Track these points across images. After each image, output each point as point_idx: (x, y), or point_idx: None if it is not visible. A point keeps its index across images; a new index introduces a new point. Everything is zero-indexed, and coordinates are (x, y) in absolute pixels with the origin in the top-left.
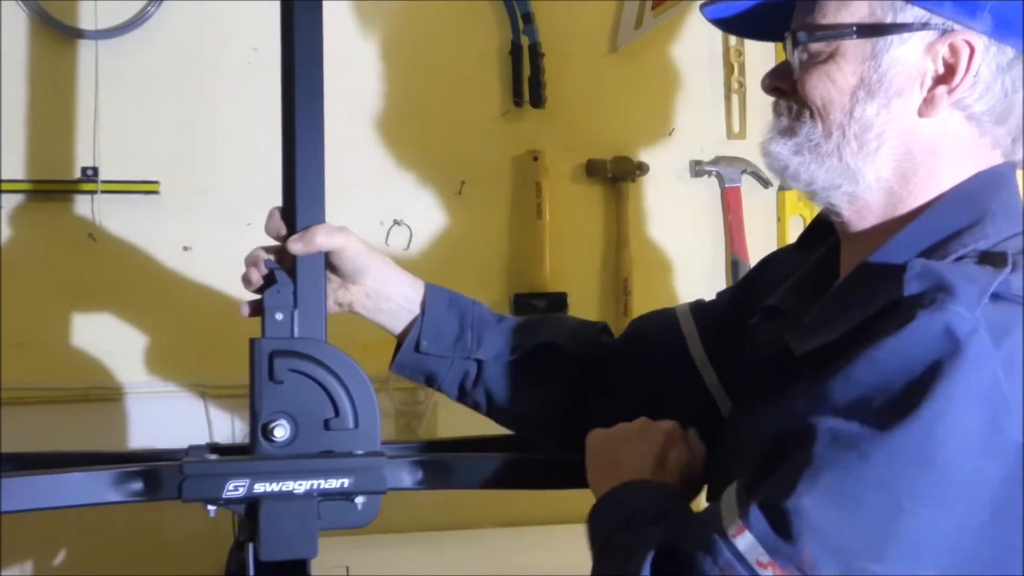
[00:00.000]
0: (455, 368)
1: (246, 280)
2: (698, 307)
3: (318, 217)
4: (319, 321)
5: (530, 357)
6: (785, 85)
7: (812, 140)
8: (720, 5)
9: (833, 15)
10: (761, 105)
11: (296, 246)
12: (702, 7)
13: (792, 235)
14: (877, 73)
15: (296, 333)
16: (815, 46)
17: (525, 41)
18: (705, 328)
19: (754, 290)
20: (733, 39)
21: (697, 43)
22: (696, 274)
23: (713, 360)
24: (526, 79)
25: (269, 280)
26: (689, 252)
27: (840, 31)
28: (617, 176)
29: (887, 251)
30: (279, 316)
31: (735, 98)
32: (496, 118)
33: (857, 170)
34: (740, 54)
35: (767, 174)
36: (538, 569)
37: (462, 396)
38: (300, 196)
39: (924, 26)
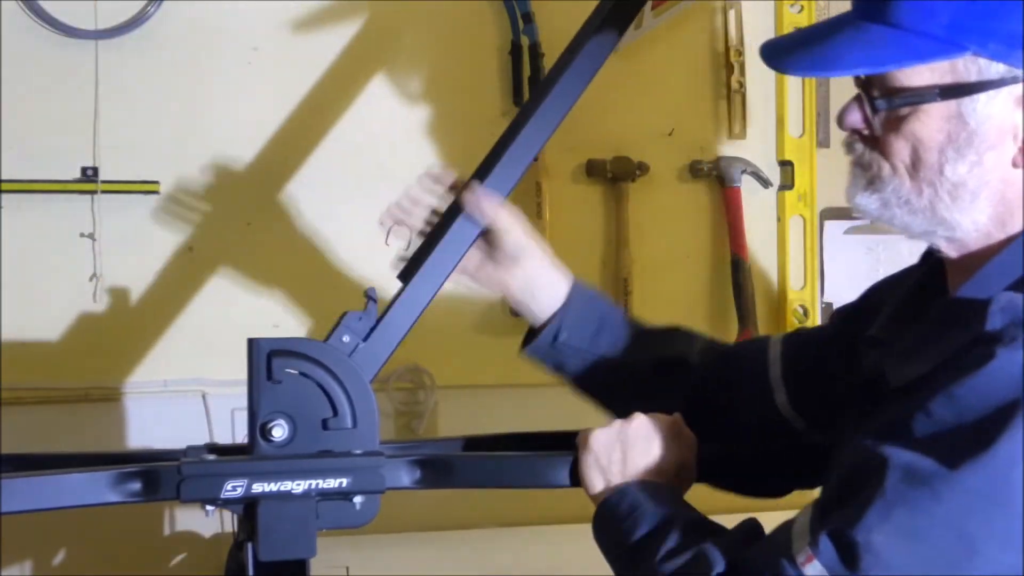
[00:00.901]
0: (584, 362)
1: (389, 214)
2: (794, 332)
3: (501, 192)
4: (375, 365)
5: (658, 366)
6: (865, 131)
7: (901, 196)
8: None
9: (911, 76)
10: (761, 105)
11: (470, 198)
12: (765, 56)
13: (792, 235)
14: (966, 131)
15: None
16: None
17: (525, 41)
18: (788, 348)
19: (861, 315)
20: (734, 39)
21: (697, 43)
22: (696, 274)
23: (786, 380)
24: (526, 79)
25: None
26: (689, 252)
27: (922, 94)
28: (617, 176)
29: (978, 281)
30: (346, 338)
31: (735, 98)
32: (496, 118)
33: (953, 220)
34: (740, 54)
35: (767, 174)
36: (538, 569)
37: (583, 388)
38: (502, 165)
39: (1013, 80)
